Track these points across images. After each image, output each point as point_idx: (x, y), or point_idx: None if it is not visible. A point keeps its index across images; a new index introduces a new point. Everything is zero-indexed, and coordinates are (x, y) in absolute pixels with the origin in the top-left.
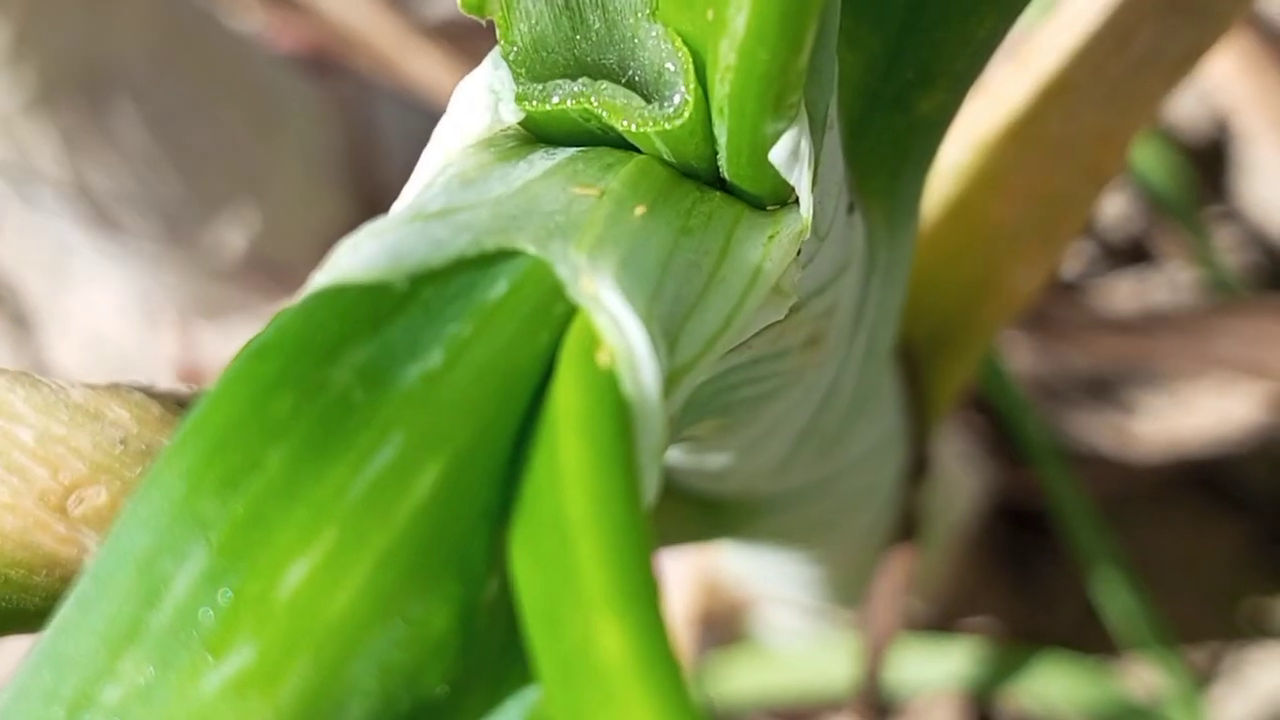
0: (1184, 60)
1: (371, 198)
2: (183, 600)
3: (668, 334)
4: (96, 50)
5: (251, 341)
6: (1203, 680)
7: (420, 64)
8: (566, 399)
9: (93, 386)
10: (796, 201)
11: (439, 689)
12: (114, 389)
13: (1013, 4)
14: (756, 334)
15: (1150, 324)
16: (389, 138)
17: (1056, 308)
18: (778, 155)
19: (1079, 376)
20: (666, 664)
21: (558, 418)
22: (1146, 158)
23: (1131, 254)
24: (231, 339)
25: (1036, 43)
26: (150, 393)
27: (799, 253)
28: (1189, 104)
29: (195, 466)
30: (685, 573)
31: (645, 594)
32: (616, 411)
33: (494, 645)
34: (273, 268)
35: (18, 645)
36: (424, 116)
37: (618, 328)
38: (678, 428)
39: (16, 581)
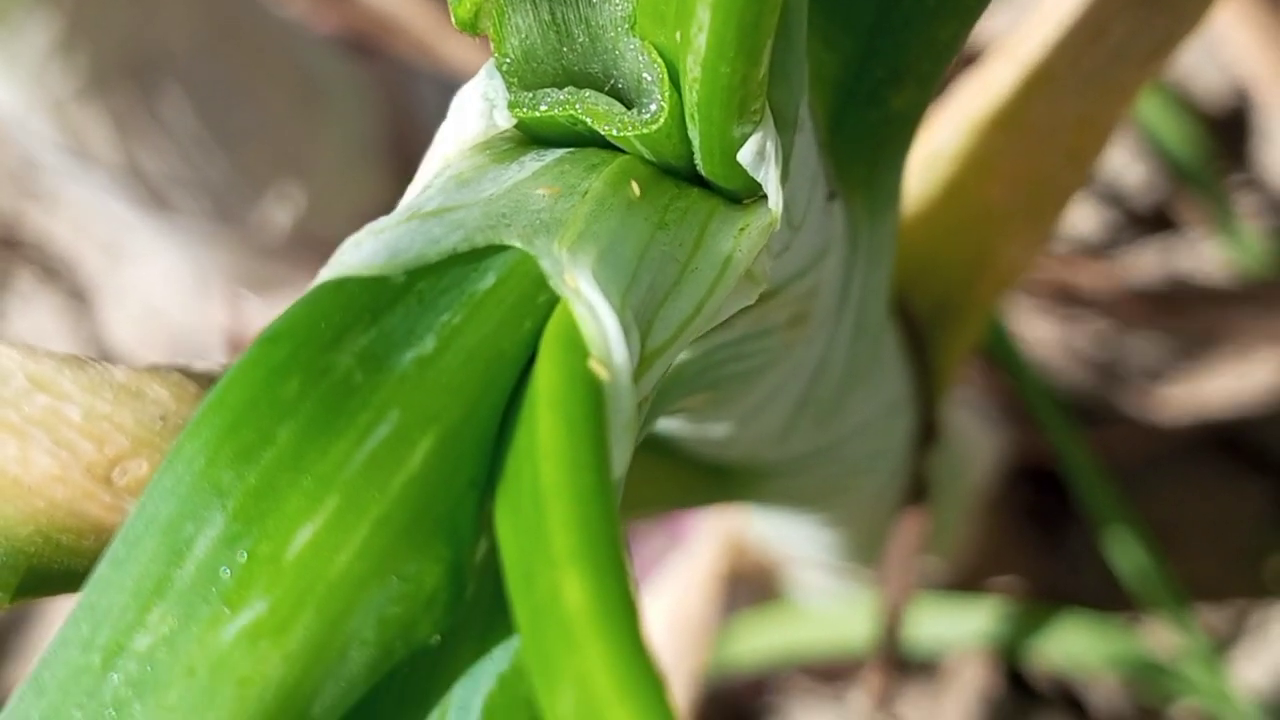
0: (1156, 52)
1: (411, 174)
2: (203, 560)
3: (641, 321)
4: (145, 38)
5: (265, 329)
6: (1227, 639)
7: (456, 46)
8: (545, 380)
9: (134, 367)
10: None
11: (432, 639)
12: (154, 370)
13: (970, 11)
14: (739, 314)
15: (1174, 291)
16: (429, 116)
17: (1082, 275)
18: (745, 156)
19: (1105, 342)
20: (624, 613)
21: (536, 397)
22: (1169, 127)
23: (1155, 222)
24: (278, 311)
25: (1020, 34)
26: (187, 373)
27: (771, 243)
28: (1210, 74)
29: (213, 441)
30: (715, 533)
31: (607, 552)
32: (589, 392)
33: (483, 602)
34: (318, 243)
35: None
36: None
37: (594, 316)
38: (668, 401)
39: (67, 546)
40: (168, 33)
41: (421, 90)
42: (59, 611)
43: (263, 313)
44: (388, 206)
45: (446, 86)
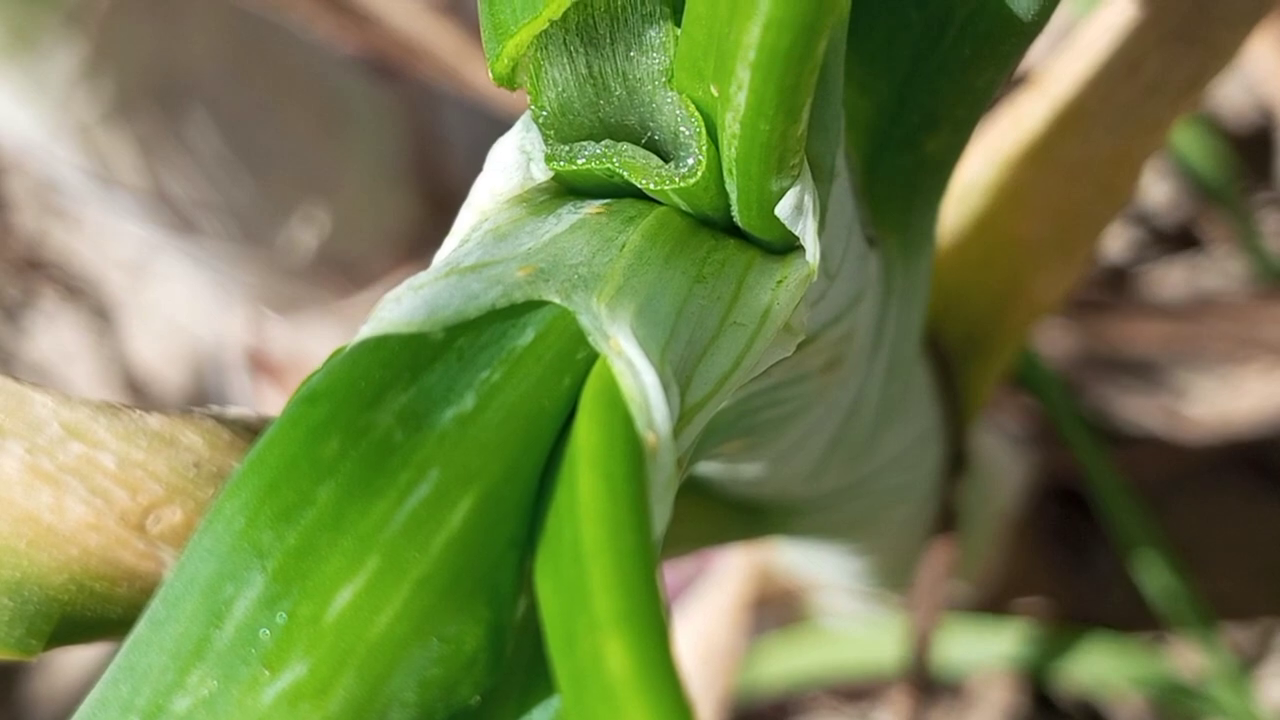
0: (1189, 88)
1: (437, 196)
2: (243, 621)
3: (680, 376)
4: (170, 62)
5: (303, 386)
6: (1254, 658)
7: (480, 70)
8: (585, 438)
9: (168, 414)
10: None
11: (472, 700)
12: (187, 416)
13: (1007, 58)
14: (774, 364)
15: (1199, 310)
16: (454, 138)
17: (1108, 294)
18: (783, 210)
19: (1130, 361)
20: (667, 678)
21: (577, 455)
22: (1195, 146)
23: (1181, 241)
24: (303, 333)
25: (1053, 71)
26: (221, 420)
27: (808, 293)
28: (1237, 95)
29: (253, 502)
30: (743, 561)
31: (649, 615)
32: (629, 451)
33: (523, 660)
34: (342, 264)
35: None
36: (486, 118)
37: (633, 373)
38: (703, 451)
39: (100, 593)
40: (193, 57)
41: (446, 112)
42: None
43: (286, 333)
44: (412, 228)
45: (471, 109)
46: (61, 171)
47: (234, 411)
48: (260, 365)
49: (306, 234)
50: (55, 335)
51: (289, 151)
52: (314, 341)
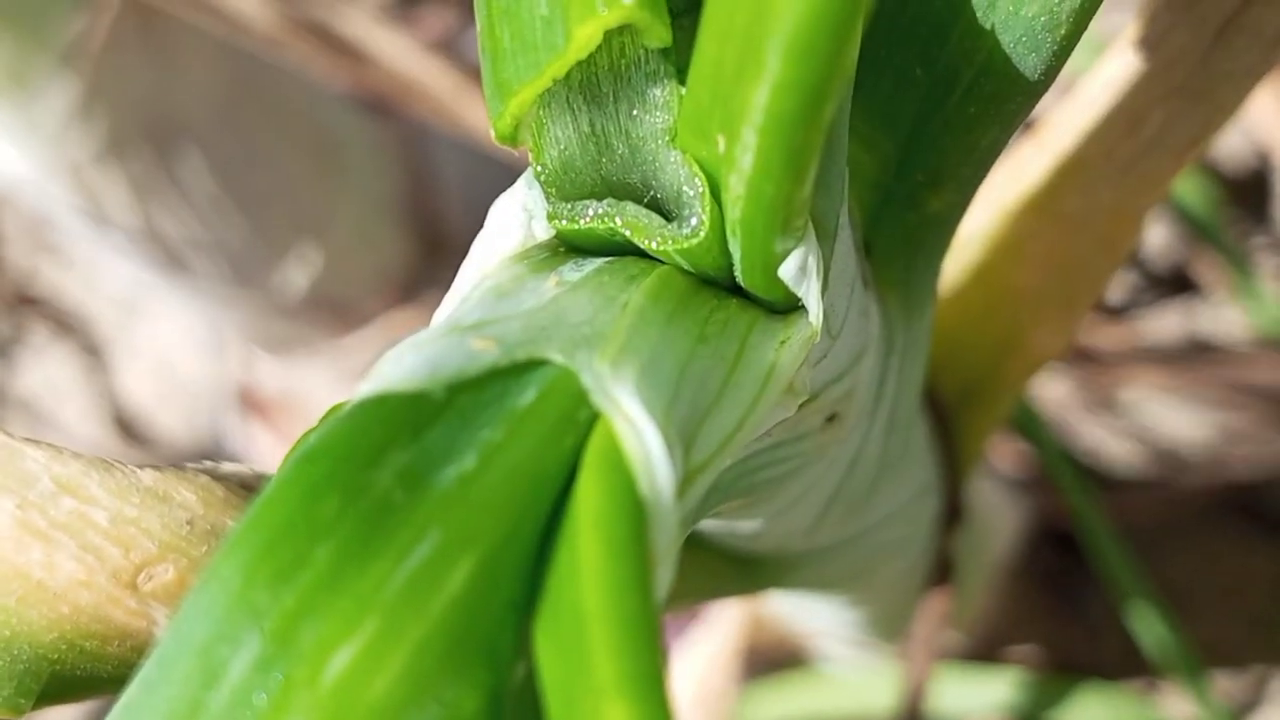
0: (1191, 143)
1: (430, 236)
2: (238, 683)
3: (684, 437)
4: (163, 102)
5: (301, 444)
6: (1246, 706)
7: (476, 110)
8: (587, 500)
9: (161, 470)
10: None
11: None
12: (181, 473)
13: (1013, 117)
14: (775, 423)
15: (1194, 354)
16: (447, 178)
17: (1103, 338)
18: (787, 271)
19: (1124, 405)
20: None
21: (578, 517)
22: (1191, 190)
23: (1177, 284)
24: (295, 372)
25: (1054, 123)
26: (215, 475)
27: (810, 353)
28: (1233, 139)
29: (250, 562)
30: (735, 608)
31: (650, 679)
32: (632, 512)
33: None
34: (334, 304)
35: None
36: (481, 158)
37: (636, 434)
38: (703, 511)
39: (91, 651)
40: (186, 96)
41: (440, 152)
42: None
43: (278, 372)
44: (405, 268)
45: (465, 148)
46: (54, 209)
47: (228, 468)
48: (251, 404)
49: (299, 273)
50: (45, 372)
51: (281, 191)
52: (305, 381)
